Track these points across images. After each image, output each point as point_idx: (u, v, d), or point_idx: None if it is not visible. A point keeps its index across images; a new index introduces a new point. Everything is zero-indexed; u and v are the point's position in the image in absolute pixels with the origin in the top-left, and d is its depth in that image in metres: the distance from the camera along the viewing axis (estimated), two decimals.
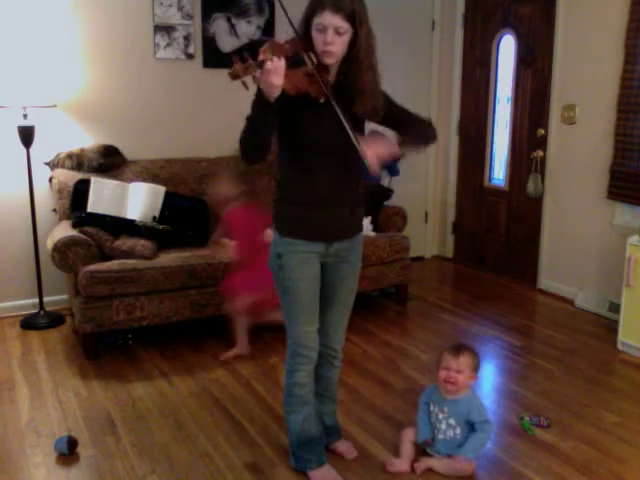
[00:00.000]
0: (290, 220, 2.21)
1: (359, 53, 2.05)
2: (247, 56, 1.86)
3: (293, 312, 2.26)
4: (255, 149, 2.09)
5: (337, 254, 2.27)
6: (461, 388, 2.48)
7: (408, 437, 2.55)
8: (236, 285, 3.37)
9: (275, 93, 1.92)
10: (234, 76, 1.85)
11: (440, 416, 2.49)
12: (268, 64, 1.86)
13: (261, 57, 1.87)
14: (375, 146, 2.03)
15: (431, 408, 2.54)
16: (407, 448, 2.52)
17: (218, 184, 3.60)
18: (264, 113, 1.99)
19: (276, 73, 1.87)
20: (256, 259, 3.16)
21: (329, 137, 2.12)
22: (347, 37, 2.02)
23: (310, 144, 2.12)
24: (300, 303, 2.23)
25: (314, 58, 2.02)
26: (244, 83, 1.87)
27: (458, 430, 2.47)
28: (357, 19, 2.01)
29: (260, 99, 1.96)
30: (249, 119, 2.03)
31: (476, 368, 2.51)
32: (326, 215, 2.20)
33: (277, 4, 2.02)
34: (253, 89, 1.96)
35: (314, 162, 2.15)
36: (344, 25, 1.99)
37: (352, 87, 2.09)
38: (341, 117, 2.02)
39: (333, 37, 1.99)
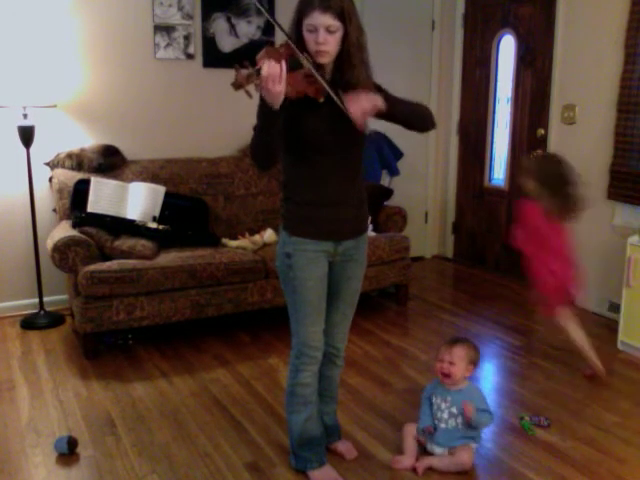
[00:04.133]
0: (298, 220, 2.22)
1: (350, 49, 2.06)
2: (247, 64, 1.86)
3: (300, 312, 2.25)
4: (266, 156, 2.10)
5: (344, 253, 2.28)
6: (456, 380, 2.51)
7: (410, 433, 2.56)
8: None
9: (278, 100, 1.90)
10: (237, 86, 1.85)
11: (443, 405, 2.51)
12: (264, 69, 1.84)
13: (259, 64, 1.87)
14: (358, 100, 2.02)
15: (433, 400, 2.56)
16: (410, 444, 2.53)
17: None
18: (269, 121, 1.99)
19: (274, 78, 1.85)
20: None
21: (331, 137, 2.12)
22: (339, 35, 2.03)
23: (313, 144, 2.13)
24: (308, 303, 2.24)
25: (309, 58, 2.02)
26: (247, 92, 1.87)
27: (460, 419, 2.48)
28: (346, 16, 2.01)
29: (264, 108, 1.96)
30: (256, 128, 2.04)
31: (473, 361, 2.53)
32: (333, 214, 2.21)
33: (267, 12, 2.02)
34: (257, 98, 1.96)
35: (318, 162, 2.16)
36: (334, 23, 1.99)
37: (345, 83, 2.09)
38: (334, 98, 2.01)
39: (325, 36, 2.00)
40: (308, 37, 2.02)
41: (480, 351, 2.60)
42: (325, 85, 2.01)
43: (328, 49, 2.02)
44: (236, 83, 1.84)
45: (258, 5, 2.02)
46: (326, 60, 2.06)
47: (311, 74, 2.00)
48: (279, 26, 2.01)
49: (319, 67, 2.05)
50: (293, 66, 1.97)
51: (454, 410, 2.50)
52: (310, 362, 2.30)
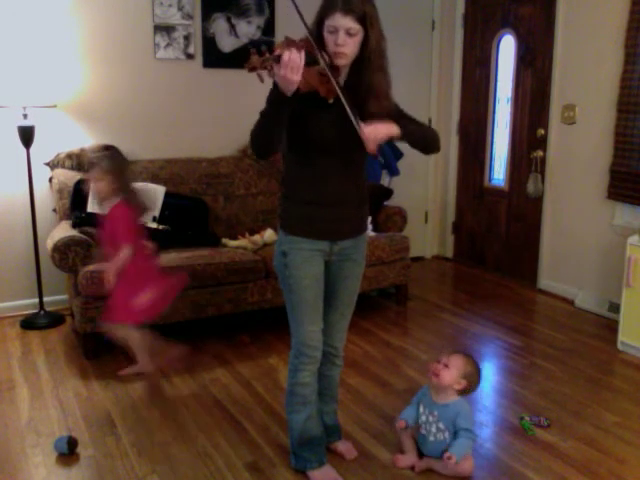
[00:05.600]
0: (296, 219, 2.22)
1: (370, 54, 2.07)
2: (264, 49, 1.88)
3: (297, 311, 2.26)
4: (267, 143, 2.10)
5: (341, 252, 2.28)
6: (443, 385, 2.46)
7: (406, 434, 2.56)
8: (120, 303, 2.91)
9: (292, 88, 1.93)
10: (250, 68, 1.86)
11: (430, 419, 2.49)
12: (285, 55, 1.86)
13: (278, 51, 1.89)
14: (373, 125, 2.05)
15: (421, 410, 2.53)
16: (409, 443, 2.53)
17: (94, 179, 3.01)
18: (279, 108, 2.00)
19: (293, 68, 1.88)
20: (136, 261, 2.90)
21: (336, 138, 2.13)
22: (358, 38, 2.04)
23: (317, 144, 2.14)
24: (304, 302, 2.24)
25: (327, 58, 2.03)
26: (259, 75, 1.89)
27: (447, 434, 2.45)
28: (368, 20, 2.02)
29: (276, 94, 1.97)
30: (263, 113, 2.04)
31: (467, 376, 2.47)
32: (332, 214, 2.21)
33: (291, 4, 2.02)
34: (260, 83, 1.97)
35: (321, 162, 2.16)
36: (355, 26, 2.01)
37: (363, 88, 2.10)
38: (348, 111, 2.03)
39: (344, 38, 2.01)
40: (328, 38, 2.03)
41: (480, 378, 2.53)
42: (336, 87, 2.02)
43: (346, 51, 2.03)
44: (250, 65, 1.85)
45: (293, 2, 2.02)
46: (343, 62, 2.07)
47: (325, 73, 2.01)
48: (303, 20, 2.00)
49: (335, 69, 2.06)
50: (308, 62, 1.98)
51: (441, 426, 2.46)
52: (309, 362, 2.30)
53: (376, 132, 2.04)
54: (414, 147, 2.27)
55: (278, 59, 1.87)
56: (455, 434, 2.44)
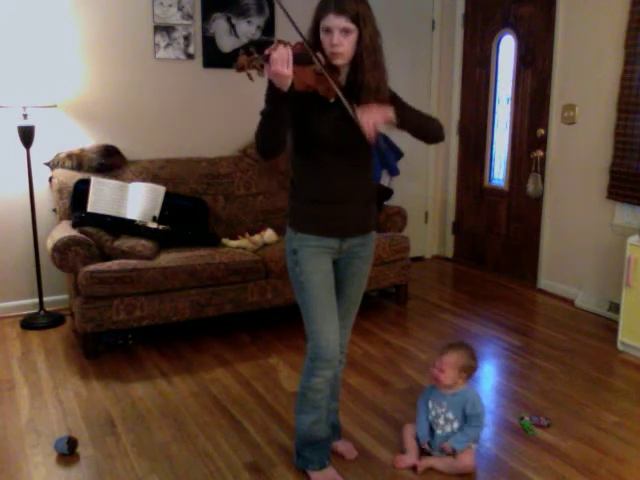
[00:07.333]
0: (304, 217, 2.24)
1: (363, 52, 2.09)
2: (253, 50, 1.91)
3: (310, 309, 2.24)
4: (270, 143, 2.11)
5: (350, 250, 2.29)
6: (446, 386, 2.50)
7: (410, 432, 2.56)
8: None
9: (286, 82, 1.94)
10: (239, 68, 1.90)
11: (438, 411, 2.51)
12: (274, 53, 1.90)
13: (267, 52, 1.92)
14: (369, 111, 2.06)
15: (430, 406, 2.55)
16: (411, 443, 2.54)
17: None
18: (277, 105, 2.02)
19: (283, 61, 1.90)
20: None
21: (341, 136, 2.15)
22: (354, 37, 2.06)
23: (322, 143, 2.15)
24: (316, 297, 2.23)
25: (322, 58, 2.06)
26: (249, 75, 1.92)
27: (456, 424, 2.48)
28: (361, 19, 2.05)
29: (272, 91, 1.99)
30: (263, 113, 2.06)
31: (464, 368, 2.50)
32: (340, 212, 2.23)
33: (281, 9, 2.05)
34: (259, 82, 1.99)
35: (327, 161, 2.18)
36: (349, 26, 2.04)
37: (358, 85, 2.12)
38: (346, 105, 2.04)
39: (339, 38, 2.04)
40: (324, 39, 2.07)
41: (476, 358, 2.57)
42: (334, 85, 2.04)
43: (342, 51, 2.06)
44: (238, 65, 1.89)
45: (280, 5, 2.05)
46: (340, 62, 2.09)
47: (322, 73, 2.03)
48: (295, 25, 2.02)
49: (334, 69, 2.08)
50: (304, 62, 2.00)
51: (449, 415, 2.49)
52: (324, 366, 2.26)
53: (372, 118, 2.04)
54: (415, 136, 2.28)
55: (266, 58, 1.90)
56: (465, 422, 2.46)
